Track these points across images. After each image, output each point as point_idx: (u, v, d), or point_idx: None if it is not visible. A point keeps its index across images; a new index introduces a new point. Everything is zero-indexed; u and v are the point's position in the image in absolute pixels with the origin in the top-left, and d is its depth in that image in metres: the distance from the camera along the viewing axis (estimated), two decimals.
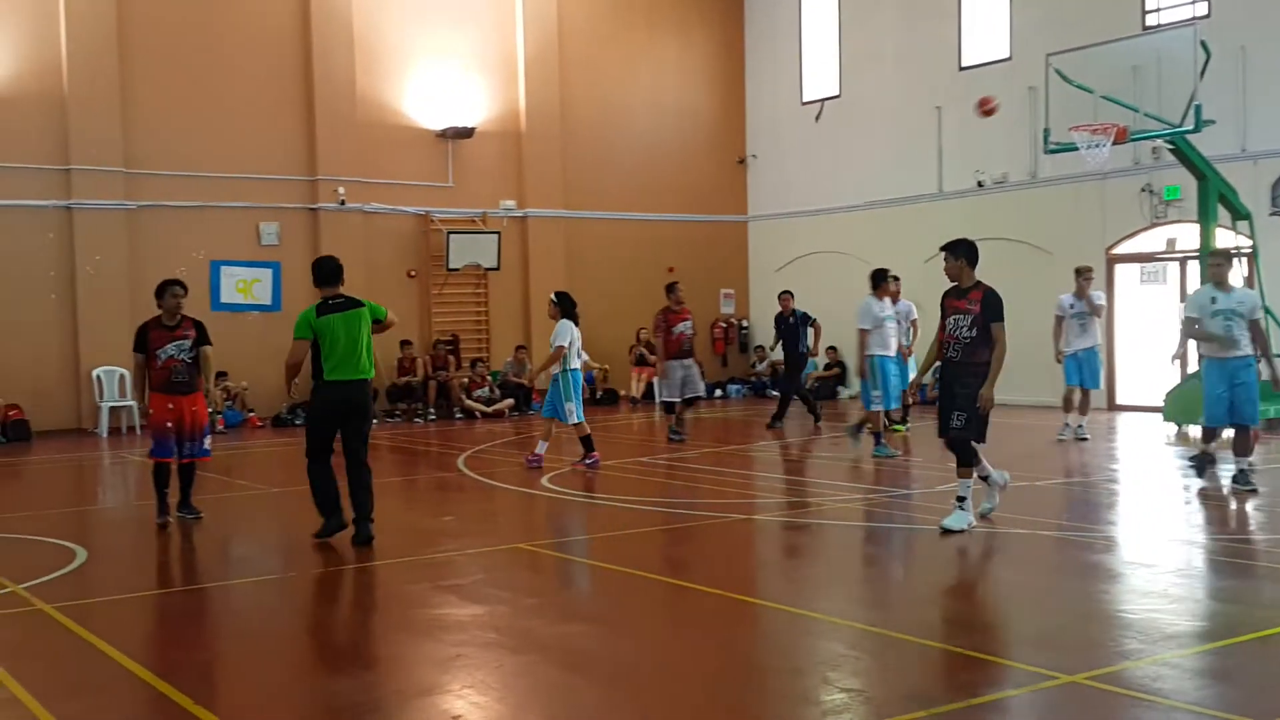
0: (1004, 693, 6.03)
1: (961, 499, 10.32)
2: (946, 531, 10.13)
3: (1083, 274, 17.17)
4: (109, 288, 21.52)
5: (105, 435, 20.98)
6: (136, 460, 16.94)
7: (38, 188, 21.41)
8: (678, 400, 17.96)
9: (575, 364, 15.27)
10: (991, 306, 10.30)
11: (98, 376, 21.37)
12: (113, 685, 6.60)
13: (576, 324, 15.31)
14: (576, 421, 15.18)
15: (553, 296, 15.69)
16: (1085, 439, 16.94)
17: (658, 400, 18.39)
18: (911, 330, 18.37)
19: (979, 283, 10.47)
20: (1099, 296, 17.44)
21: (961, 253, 10.54)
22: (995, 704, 5.85)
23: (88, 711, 6.18)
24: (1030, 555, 9.78)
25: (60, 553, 10.23)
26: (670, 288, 18.29)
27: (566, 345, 14.99)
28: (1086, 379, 17.13)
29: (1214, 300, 12.31)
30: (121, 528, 12.42)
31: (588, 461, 15.10)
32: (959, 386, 10.34)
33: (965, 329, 10.35)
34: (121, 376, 21.20)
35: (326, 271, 10.58)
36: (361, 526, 10.34)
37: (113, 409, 21.42)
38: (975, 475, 10.52)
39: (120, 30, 21.86)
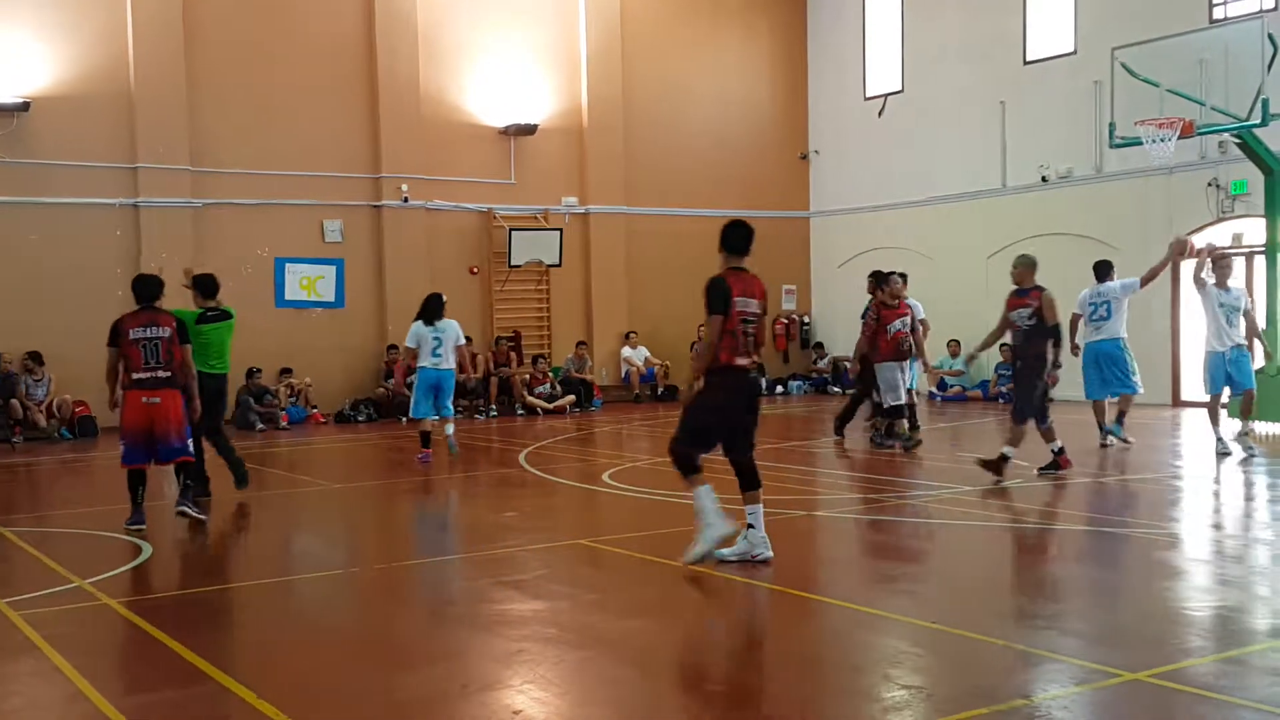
0: (1066, 690, 5.97)
1: (750, 526, 9.04)
2: (720, 561, 8.89)
3: (1220, 260, 14.88)
4: (175, 285, 21.64)
5: None
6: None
7: (105, 186, 21.74)
8: (903, 402, 16.01)
9: (424, 363, 15.65)
10: (706, 296, 8.73)
11: None
12: (177, 680, 6.66)
13: (430, 324, 15.63)
14: (413, 417, 16.12)
15: None
16: (1254, 452, 14.36)
17: (883, 404, 16.20)
18: (922, 330, 16.75)
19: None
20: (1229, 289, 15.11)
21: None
22: (1057, 701, 5.79)
23: (153, 706, 6.24)
24: (1093, 552, 9.67)
25: (125, 548, 10.39)
26: (883, 278, 16.38)
27: (415, 347, 15.66)
28: (1236, 380, 14.61)
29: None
30: (185, 523, 12.53)
31: (419, 456, 15.82)
32: None
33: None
34: None
35: (210, 287, 13.53)
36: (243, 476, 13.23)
37: None
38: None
39: (186, 29, 22.13)
